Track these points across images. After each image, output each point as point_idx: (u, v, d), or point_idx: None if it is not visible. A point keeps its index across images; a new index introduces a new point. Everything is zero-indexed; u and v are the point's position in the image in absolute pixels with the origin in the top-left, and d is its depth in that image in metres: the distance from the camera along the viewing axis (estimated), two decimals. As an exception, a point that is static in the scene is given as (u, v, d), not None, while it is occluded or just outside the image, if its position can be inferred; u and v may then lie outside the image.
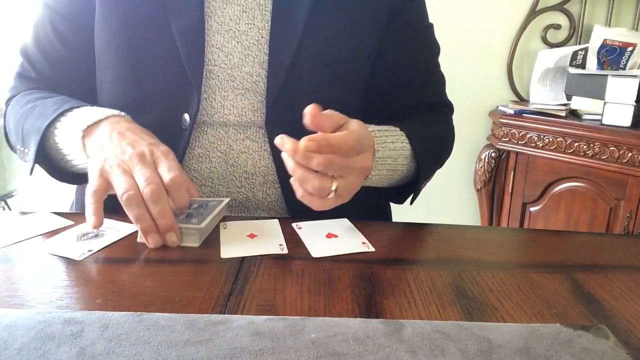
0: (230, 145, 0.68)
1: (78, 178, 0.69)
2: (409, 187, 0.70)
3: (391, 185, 0.69)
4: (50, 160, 0.66)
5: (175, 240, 0.53)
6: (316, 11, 0.66)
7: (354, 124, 0.55)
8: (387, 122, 0.71)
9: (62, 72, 0.72)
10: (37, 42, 0.72)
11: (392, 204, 0.83)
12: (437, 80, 0.81)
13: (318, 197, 0.54)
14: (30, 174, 0.64)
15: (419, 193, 0.71)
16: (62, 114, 0.62)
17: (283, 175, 0.68)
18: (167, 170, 0.53)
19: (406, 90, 0.76)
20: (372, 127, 0.64)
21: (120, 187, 0.52)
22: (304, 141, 0.50)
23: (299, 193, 0.54)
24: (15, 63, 0.74)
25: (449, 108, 0.83)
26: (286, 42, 0.66)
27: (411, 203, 0.72)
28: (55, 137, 0.62)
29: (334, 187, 0.53)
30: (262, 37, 0.67)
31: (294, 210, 0.69)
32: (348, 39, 0.69)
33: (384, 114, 0.75)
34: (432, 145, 0.72)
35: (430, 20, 0.79)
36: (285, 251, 0.53)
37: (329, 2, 0.67)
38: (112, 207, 0.70)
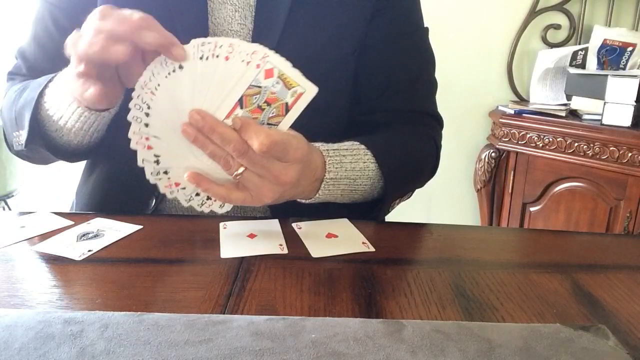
0: None
1: (75, 154, 0.67)
2: (376, 202, 0.67)
3: (354, 202, 0.67)
4: (44, 135, 0.64)
5: (182, 54, 0.49)
6: (296, 8, 0.66)
7: (292, 136, 0.52)
8: (368, 128, 0.70)
9: (62, 68, 0.71)
10: (37, 39, 0.71)
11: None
12: (423, 87, 0.76)
13: (222, 189, 0.52)
14: (25, 146, 0.61)
15: (385, 210, 0.67)
16: (50, 80, 0.60)
17: None
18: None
19: (385, 93, 0.73)
20: (329, 146, 0.61)
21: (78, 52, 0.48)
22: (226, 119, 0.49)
23: (204, 185, 0.52)
24: (10, 64, 0.74)
25: (436, 120, 0.77)
26: (266, 40, 0.66)
27: (374, 216, 0.67)
28: (45, 104, 0.61)
29: (240, 171, 0.51)
30: (251, 37, 0.67)
31: (275, 211, 0.69)
32: (329, 37, 0.68)
33: (367, 117, 0.74)
34: (404, 167, 0.68)
35: (430, 21, 0.77)
36: (285, 251, 0.53)
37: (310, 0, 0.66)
38: (111, 207, 0.71)
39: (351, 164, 0.62)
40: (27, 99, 0.61)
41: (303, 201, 0.62)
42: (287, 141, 0.50)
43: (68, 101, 0.57)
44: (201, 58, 0.48)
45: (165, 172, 0.54)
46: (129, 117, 0.51)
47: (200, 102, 0.49)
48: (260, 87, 0.49)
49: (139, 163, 0.53)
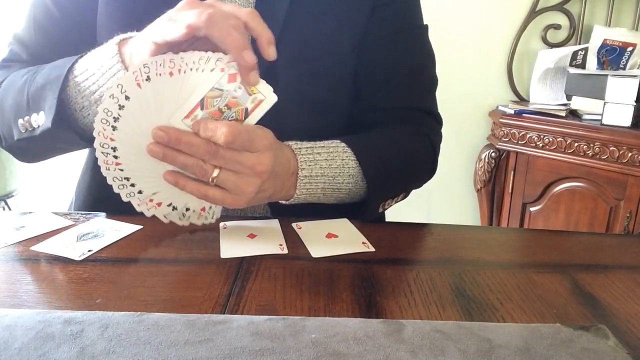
0: None
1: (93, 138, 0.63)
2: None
3: (344, 202, 0.66)
4: (66, 116, 0.59)
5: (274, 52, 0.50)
6: (296, 5, 0.65)
7: (255, 126, 0.52)
8: (366, 127, 0.70)
9: (63, 53, 0.64)
10: (37, 23, 0.69)
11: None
12: (422, 85, 0.76)
13: (200, 184, 0.52)
14: (51, 125, 0.56)
15: (376, 210, 0.66)
16: (80, 56, 0.58)
17: None
18: (234, 8, 0.49)
19: (384, 89, 0.73)
20: (302, 144, 0.61)
21: (194, 12, 0.46)
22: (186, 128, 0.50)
23: (181, 182, 0.52)
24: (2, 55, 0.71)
25: (435, 118, 0.77)
26: None
27: (364, 218, 0.64)
28: (76, 78, 0.57)
29: (215, 174, 0.51)
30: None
31: (275, 211, 0.69)
32: (328, 34, 0.68)
33: (365, 116, 0.74)
34: (389, 165, 0.66)
35: (430, 20, 0.77)
36: (285, 251, 0.53)
37: None
38: (112, 207, 0.71)
39: (327, 162, 0.61)
40: (50, 79, 0.58)
41: (284, 202, 0.61)
42: (251, 130, 0.51)
43: (118, 67, 0.54)
44: (148, 79, 0.49)
45: (151, 201, 0.55)
46: (97, 153, 0.52)
47: (158, 119, 0.50)
48: (222, 90, 0.50)
49: (125, 198, 0.55)
